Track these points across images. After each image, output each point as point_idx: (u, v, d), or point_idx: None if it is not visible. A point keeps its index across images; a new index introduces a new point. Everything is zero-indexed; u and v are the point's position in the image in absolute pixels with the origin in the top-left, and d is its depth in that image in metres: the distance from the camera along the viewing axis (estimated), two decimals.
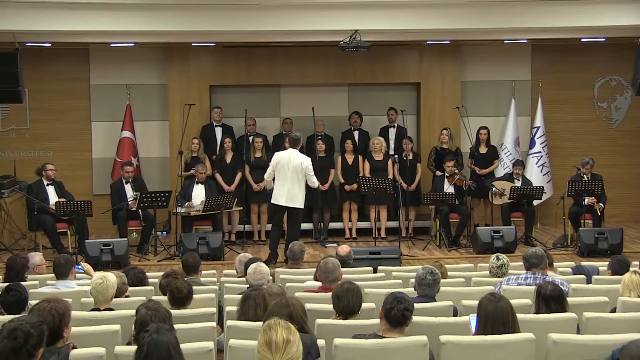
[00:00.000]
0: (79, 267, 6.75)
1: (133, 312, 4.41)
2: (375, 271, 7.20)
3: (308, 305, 4.75)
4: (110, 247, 9.16)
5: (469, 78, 12.05)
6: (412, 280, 5.59)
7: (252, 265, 5.83)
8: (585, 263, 7.47)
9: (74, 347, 4.03)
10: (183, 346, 3.58)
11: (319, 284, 5.90)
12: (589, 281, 6.35)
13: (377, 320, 4.47)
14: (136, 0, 9.61)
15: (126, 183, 10.38)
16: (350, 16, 9.77)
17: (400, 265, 8.26)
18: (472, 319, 4.63)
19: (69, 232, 10.04)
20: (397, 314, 4.23)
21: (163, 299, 5.29)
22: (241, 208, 10.73)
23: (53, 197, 10.09)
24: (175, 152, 10.93)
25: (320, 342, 4.19)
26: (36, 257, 6.85)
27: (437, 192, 10.48)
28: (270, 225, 9.92)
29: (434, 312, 4.98)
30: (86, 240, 9.44)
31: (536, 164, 11.81)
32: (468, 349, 4.26)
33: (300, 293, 5.70)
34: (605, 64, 12.27)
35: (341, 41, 9.68)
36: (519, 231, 10.38)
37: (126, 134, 11.47)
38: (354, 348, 4.17)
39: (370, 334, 4.31)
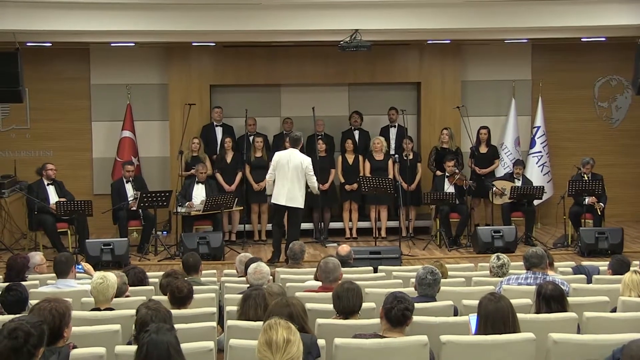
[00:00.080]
0: (80, 266, 6.76)
1: (133, 311, 4.41)
2: (375, 271, 7.20)
3: (308, 305, 4.75)
4: (111, 246, 9.16)
5: (470, 78, 12.04)
6: (413, 280, 5.60)
7: (253, 265, 5.83)
8: (585, 263, 7.47)
9: (75, 347, 4.03)
10: (183, 346, 3.58)
11: (320, 283, 5.90)
12: (589, 281, 6.35)
13: (377, 320, 4.47)
14: None
15: (127, 182, 10.38)
16: (350, 16, 9.77)
17: (400, 265, 8.26)
18: (472, 318, 4.63)
19: (69, 231, 10.05)
20: (397, 314, 4.23)
21: (163, 298, 5.29)
22: (241, 208, 10.73)
23: (53, 196, 10.09)
24: (176, 151, 10.93)
25: (321, 342, 4.19)
26: (37, 257, 6.85)
27: (437, 192, 10.47)
28: (272, 225, 9.94)
29: (434, 311, 4.98)
30: (86, 240, 9.44)
31: (536, 163, 11.81)
32: (468, 349, 4.26)
33: (301, 293, 5.70)
34: (606, 64, 12.26)
35: (341, 41, 9.68)
36: (520, 231, 10.37)
37: (126, 133, 11.47)
38: (355, 348, 4.17)
39: (370, 334, 4.31)
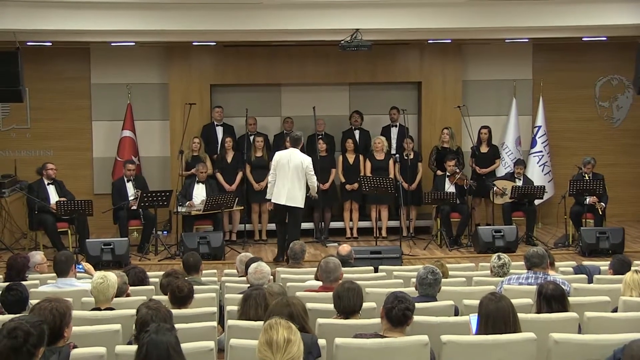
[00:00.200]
0: (80, 266, 6.76)
1: (134, 311, 4.41)
2: (376, 271, 7.19)
3: (309, 305, 4.75)
4: (111, 246, 9.16)
5: (470, 77, 12.03)
6: (413, 279, 5.59)
7: (253, 265, 5.82)
8: (586, 262, 7.47)
9: (75, 347, 4.03)
10: (184, 346, 3.57)
11: (320, 283, 5.89)
12: (590, 281, 6.35)
13: (378, 320, 4.46)
14: None
15: (128, 181, 10.38)
16: (351, 15, 9.76)
17: (401, 265, 8.26)
18: (473, 318, 4.63)
19: (69, 231, 10.04)
20: (398, 314, 4.22)
21: (164, 298, 5.29)
22: (242, 207, 10.73)
23: (54, 196, 10.09)
24: (176, 151, 10.92)
25: (321, 342, 4.19)
26: (37, 256, 6.86)
27: (438, 192, 10.47)
28: (272, 224, 9.92)
29: (435, 311, 4.98)
30: (87, 240, 9.43)
31: (537, 163, 11.80)
32: (469, 349, 4.26)
33: (301, 292, 5.69)
34: (607, 63, 12.25)
35: (342, 40, 9.67)
36: (520, 231, 10.37)
37: (127, 133, 11.46)
38: (355, 347, 4.17)
39: (371, 334, 4.31)
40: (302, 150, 9.65)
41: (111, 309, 5.01)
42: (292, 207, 9.35)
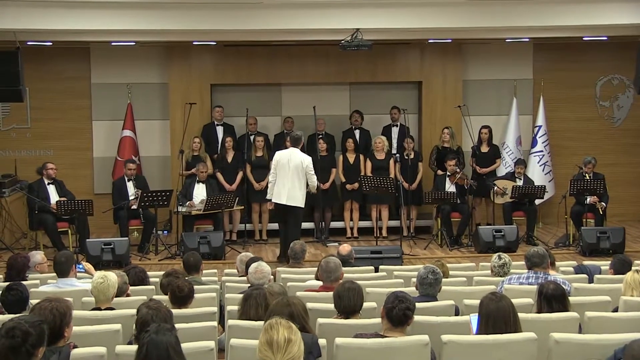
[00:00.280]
0: (80, 266, 6.76)
1: (134, 311, 4.40)
2: (376, 270, 7.19)
3: (309, 305, 4.75)
4: (111, 246, 9.16)
5: (471, 77, 12.03)
6: (414, 279, 5.59)
7: (254, 265, 5.82)
8: (587, 262, 7.46)
9: (75, 347, 4.03)
10: (184, 345, 3.57)
11: (320, 283, 5.89)
12: (591, 280, 6.34)
13: (378, 320, 4.46)
14: None
15: (128, 181, 10.38)
16: (351, 15, 9.76)
17: (401, 265, 8.26)
18: (473, 318, 4.62)
19: (69, 231, 10.04)
20: (398, 314, 4.22)
21: (164, 298, 5.29)
22: (242, 207, 10.73)
23: (54, 196, 10.09)
24: (176, 151, 10.92)
25: (322, 342, 4.19)
26: (37, 255, 6.86)
27: (438, 191, 10.46)
28: (273, 224, 9.91)
29: (435, 311, 4.97)
30: (87, 240, 9.43)
31: (538, 163, 11.80)
32: (470, 349, 4.25)
33: (302, 292, 5.69)
34: (607, 63, 12.25)
35: (342, 40, 9.66)
36: (521, 230, 10.36)
37: (127, 132, 11.46)
38: (356, 347, 4.16)
39: (371, 334, 4.30)
40: (302, 149, 9.64)
41: (111, 308, 5.01)
42: (292, 206, 9.34)
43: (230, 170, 10.88)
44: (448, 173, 10.68)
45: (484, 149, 11.23)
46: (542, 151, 11.81)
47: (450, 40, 11.38)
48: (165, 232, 11.09)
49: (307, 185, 9.44)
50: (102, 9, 9.54)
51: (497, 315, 4.28)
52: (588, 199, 10.32)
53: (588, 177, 10.44)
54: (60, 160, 10.95)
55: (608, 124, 12.43)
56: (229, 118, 11.57)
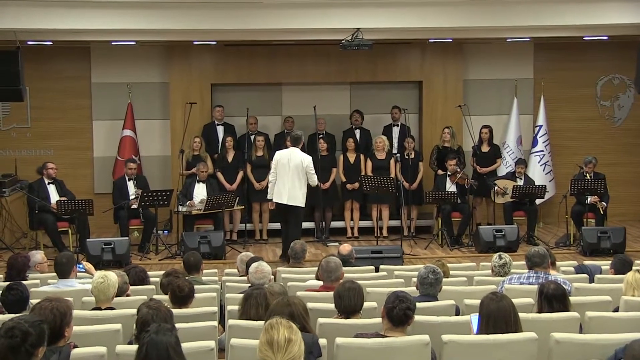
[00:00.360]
0: (81, 266, 6.76)
1: (134, 311, 4.40)
2: (377, 270, 7.19)
3: (310, 305, 4.74)
4: (112, 246, 9.16)
5: (471, 76, 12.02)
6: (414, 279, 5.58)
7: (254, 264, 5.82)
8: (587, 262, 7.46)
9: (76, 346, 4.03)
10: (184, 345, 3.56)
11: (321, 283, 5.89)
12: (591, 280, 6.34)
13: (379, 320, 4.45)
14: None
15: (129, 180, 10.38)
16: (352, 14, 9.75)
17: (402, 265, 8.25)
18: (474, 318, 4.62)
19: (70, 231, 10.04)
20: (399, 313, 4.22)
21: (164, 298, 5.28)
22: (243, 207, 10.72)
23: (54, 195, 10.09)
24: (177, 150, 10.91)
25: (322, 342, 4.18)
26: (37, 255, 6.86)
27: (439, 191, 10.45)
28: (273, 224, 9.89)
29: (436, 311, 4.97)
30: (87, 239, 9.43)
31: (538, 162, 11.79)
32: (470, 349, 4.25)
33: (302, 292, 5.69)
34: (608, 63, 12.24)
35: (343, 39, 9.66)
36: (522, 230, 10.35)
37: (127, 132, 11.45)
38: (356, 347, 4.16)
39: (372, 333, 4.30)
40: (302, 149, 9.65)
41: (112, 308, 5.01)
42: (293, 206, 9.34)
43: (230, 169, 10.88)
44: (449, 173, 10.67)
45: (485, 148, 11.22)
46: (542, 151, 11.81)
47: (450, 40, 11.38)
48: (165, 231, 11.09)
49: (309, 183, 9.45)
50: (102, 8, 9.54)
51: (497, 315, 4.28)
52: (589, 199, 10.31)
53: (589, 177, 10.44)
54: (60, 160, 10.95)
55: (609, 124, 12.43)
56: (230, 118, 11.57)
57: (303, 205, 9.45)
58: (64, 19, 9.50)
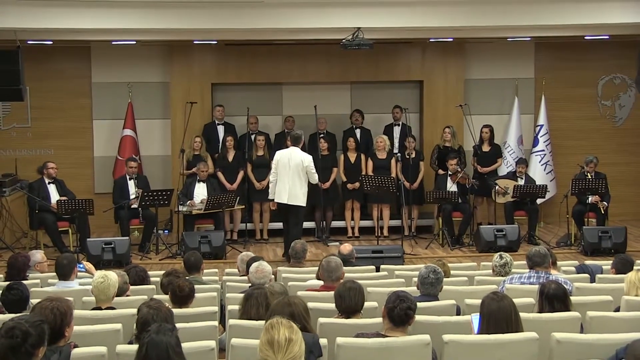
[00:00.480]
0: (81, 265, 6.76)
1: (134, 311, 4.40)
2: (377, 270, 7.18)
3: (310, 304, 4.72)
4: (112, 245, 9.15)
5: (472, 76, 12.01)
6: (415, 279, 5.58)
7: (254, 264, 5.81)
8: (588, 262, 7.44)
9: (76, 346, 4.02)
10: (184, 345, 3.56)
11: (321, 282, 5.88)
12: (592, 280, 6.33)
13: (379, 319, 4.44)
14: None
15: (130, 179, 10.37)
16: (352, 14, 9.74)
17: (402, 264, 8.23)
18: (475, 318, 4.61)
19: (70, 230, 10.04)
20: (399, 313, 4.21)
21: (165, 297, 5.28)
22: (243, 206, 10.72)
23: (54, 195, 10.08)
24: (177, 150, 10.91)
25: (323, 341, 4.18)
26: (37, 255, 6.86)
27: (440, 191, 10.45)
28: (274, 223, 9.88)
29: (436, 311, 4.96)
30: (87, 239, 9.42)
31: (539, 162, 11.79)
32: (471, 348, 4.24)
33: (303, 292, 5.68)
34: (609, 62, 12.24)
35: (344, 39, 9.66)
36: (522, 230, 10.34)
37: (128, 132, 11.45)
38: (357, 347, 4.15)
39: (372, 333, 4.30)
40: (303, 149, 9.64)
41: (112, 308, 5.00)
42: (294, 205, 9.34)
43: (231, 169, 10.87)
44: (449, 172, 10.66)
45: (486, 148, 11.22)
46: (543, 150, 11.80)
47: (451, 39, 11.37)
48: (166, 231, 11.08)
49: (309, 183, 9.45)
50: (102, 7, 9.53)
51: (498, 315, 4.27)
52: (590, 199, 10.31)
53: (590, 177, 10.43)
54: (60, 160, 10.94)
55: (610, 124, 12.42)
56: (230, 117, 11.56)
57: (304, 205, 9.45)
58: (65, 18, 9.50)
